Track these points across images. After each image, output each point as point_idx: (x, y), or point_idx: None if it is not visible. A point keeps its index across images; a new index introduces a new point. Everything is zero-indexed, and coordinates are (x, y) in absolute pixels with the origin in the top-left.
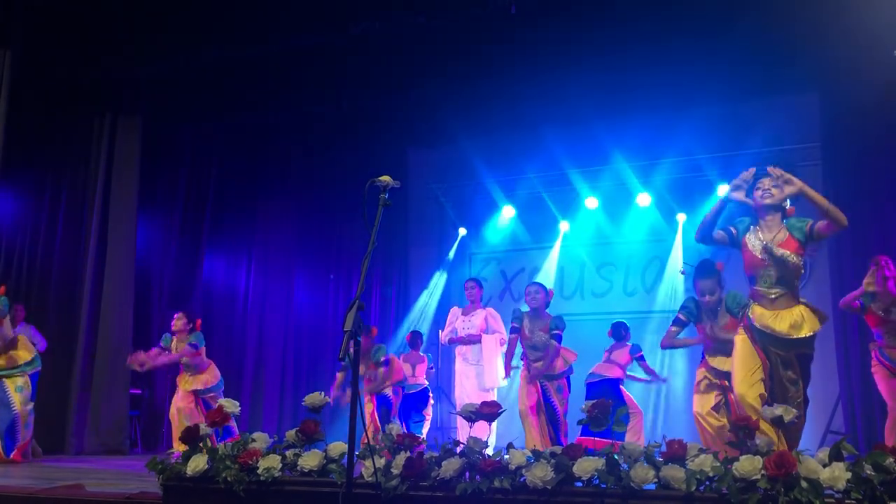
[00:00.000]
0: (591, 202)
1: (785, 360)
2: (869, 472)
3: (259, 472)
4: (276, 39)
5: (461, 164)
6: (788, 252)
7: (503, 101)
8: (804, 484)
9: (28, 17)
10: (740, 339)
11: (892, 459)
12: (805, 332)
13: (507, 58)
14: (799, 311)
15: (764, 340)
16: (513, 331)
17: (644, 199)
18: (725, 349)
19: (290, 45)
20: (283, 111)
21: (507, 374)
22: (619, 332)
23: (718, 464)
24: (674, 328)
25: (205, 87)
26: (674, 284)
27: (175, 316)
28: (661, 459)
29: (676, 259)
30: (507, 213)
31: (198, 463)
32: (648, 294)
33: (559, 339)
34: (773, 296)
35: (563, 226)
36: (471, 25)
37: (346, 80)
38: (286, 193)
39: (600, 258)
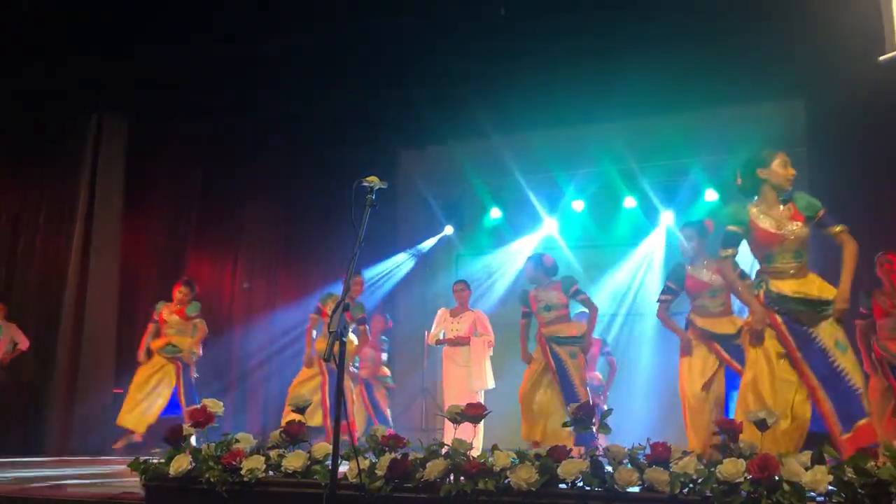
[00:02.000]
0: (578, 204)
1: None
2: (850, 475)
3: (242, 472)
4: (264, 38)
5: (450, 165)
6: (799, 224)
7: (491, 103)
8: (787, 487)
9: (15, 14)
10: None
11: (873, 463)
12: (831, 294)
13: (495, 60)
14: (814, 278)
15: (794, 309)
16: (523, 315)
17: (630, 202)
18: (708, 310)
19: (278, 45)
20: (271, 110)
21: (524, 358)
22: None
23: (702, 466)
24: (664, 297)
25: (192, 86)
26: (660, 287)
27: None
28: (645, 462)
29: (661, 261)
30: (495, 214)
31: (181, 463)
32: (634, 296)
33: (582, 292)
34: (792, 270)
35: (550, 227)
36: (460, 27)
37: (334, 80)
38: (273, 193)
39: (586, 260)
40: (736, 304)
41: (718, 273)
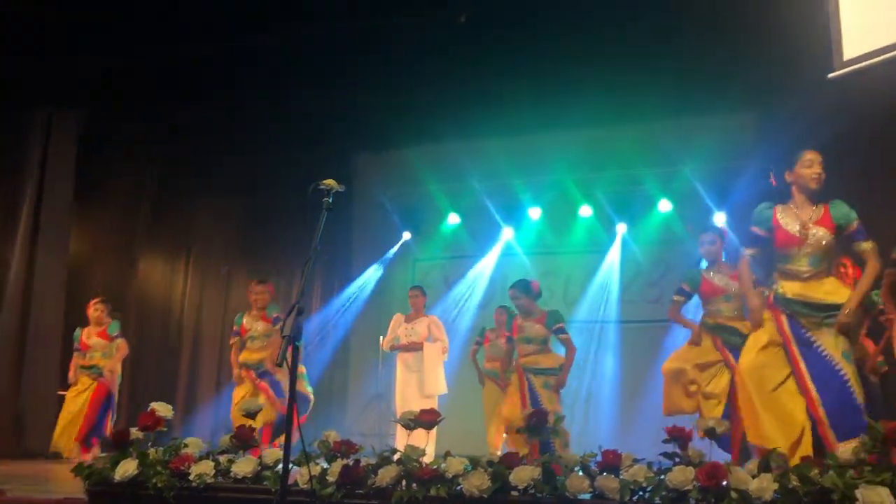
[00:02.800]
0: (534, 212)
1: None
2: (795, 483)
3: (191, 478)
4: (220, 38)
5: (407, 170)
6: (825, 230)
7: (449, 109)
8: (734, 495)
9: None
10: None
11: (816, 471)
12: (839, 299)
13: (454, 66)
14: (832, 282)
15: (796, 311)
16: (477, 342)
17: (586, 211)
18: (723, 314)
19: (236, 45)
20: (226, 110)
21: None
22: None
23: (652, 474)
24: (677, 297)
25: (146, 84)
26: (612, 294)
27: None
28: (596, 469)
29: (615, 270)
30: (452, 220)
31: (127, 468)
32: (588, 303)
33: (563, 331)
34: (805, 273)
35: (507, 234)
36: (420, 32)
37: (292, 81)
38: (228, 194)
39: (542, 267)
40: None
41: (735, 279)
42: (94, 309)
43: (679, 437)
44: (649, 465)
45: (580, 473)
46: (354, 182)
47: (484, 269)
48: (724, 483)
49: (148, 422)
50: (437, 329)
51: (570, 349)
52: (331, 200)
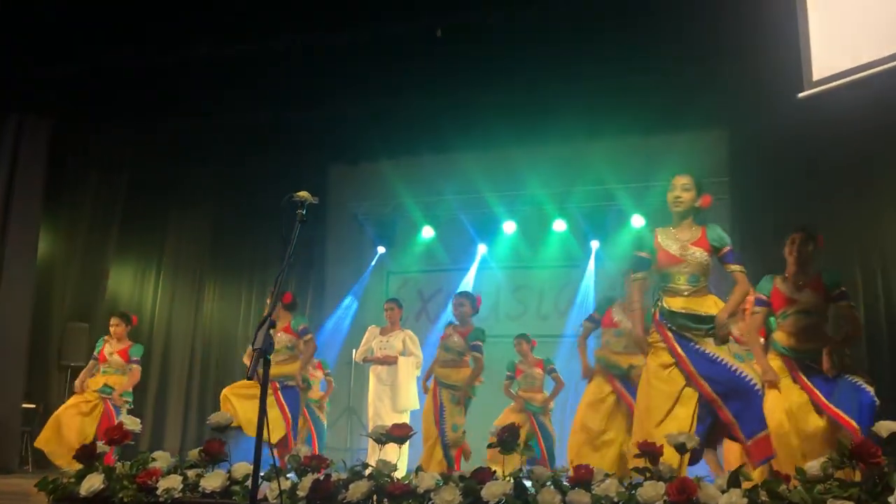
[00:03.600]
0: (509, 226)
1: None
2: (764, 498)
3: (158, 492)
4: (194, 47)
5: (381, 182)
6: (702, 250)
7: (423, 122)
8: None
9: None
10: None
11: (785, 486)
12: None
13: (429, 79)
14: (712, 299)
15: (681, 324)
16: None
17: (560, 225)
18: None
19: (210, 54)
20: (199, 120)
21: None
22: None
23: (623, 489)
24: (586, 324)
25: (119, 91)
26: (587, 309)
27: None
28: (567, 484)
29: (590, 285)
30: (426, 233)
31: (92, 482)
32: (562, 318)
33: (478, 349)
34: (686, 291)
35: (481, 248)
36: (395, 45)
37: (267, 91)
38: (200, 205)
39: (516, 281)
40: None
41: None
42: (112, 324)
43: (650, 451)
44: (620, 479)
45: (552, 488)
46: (328, 194)
47: (458, 282)
48: (695, 498)
49: (115, 435)
50: (413, 343)
51: (478, 365)
52: (304, 212)
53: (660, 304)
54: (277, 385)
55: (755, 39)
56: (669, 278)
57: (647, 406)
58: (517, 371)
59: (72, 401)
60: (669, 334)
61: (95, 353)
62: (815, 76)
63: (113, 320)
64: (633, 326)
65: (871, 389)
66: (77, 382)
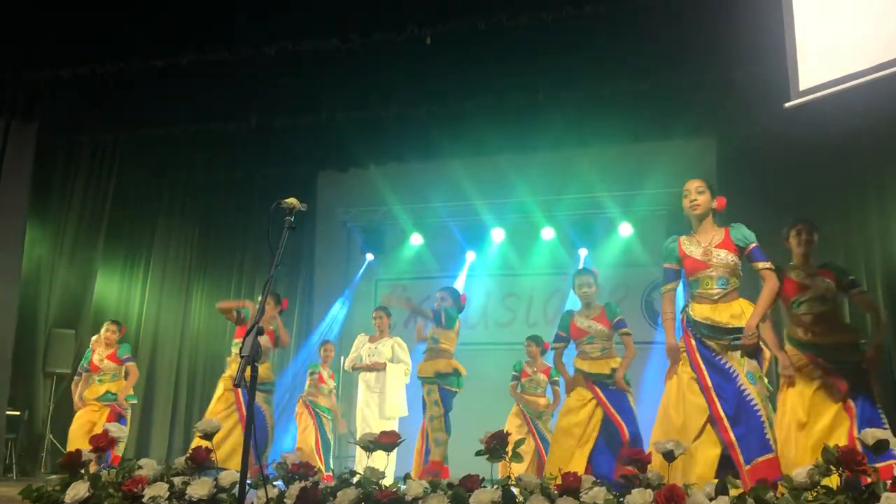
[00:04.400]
0: (497, 234)
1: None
2: None
3: (144, 500)
4: (184, 52)
5: (370, 189)
6: (727, 251)
7: (413, 130)
8: None
9: None
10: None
11: (772, 494)
12: (744, 323)
13: (418, 87)
14: (741, 304)
15: (703, 334)
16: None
17: (548, 233)
18: (588, 354)
19: (199, 59)
20: (188, 125)
21: None
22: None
23: (611, 496)
24: (556, 344)
25: (107, 96)
26: None
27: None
28: (555, 492)
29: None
30: (415, 240)
31: (77, 490)
32: (550, 325)
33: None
34: (715, 295)
35: (470, 255)
36: (384, 52)
37: (256, 97)
38: (188, 210)
39: (504, 289)
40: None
41: (598, 320)
42: (106, 330)
43: (638, 459)
44: (609, 487)
45: (540, 496)
46: (317, 201)
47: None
48: None
49: (101, 442)
50: (402, 350)
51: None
52: (293, 219)
53: (687, 310)
54: None
55: (743, 48)
56: (698, 284)
57: (683, 423)
58: (523, 373)
59: (80, 417)
60: (693, 343)
61: (85, 363)
62: (802, 86)
63: (110, 326)
64: (666, 336)
65: (886, 426)
66: (75, 399)
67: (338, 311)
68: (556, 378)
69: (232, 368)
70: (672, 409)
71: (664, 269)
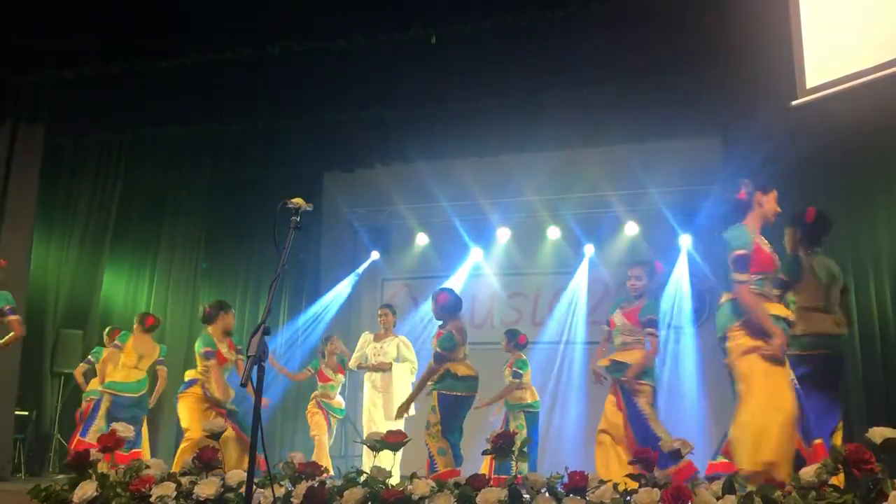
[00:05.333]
0: (503, 233)
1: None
2: None
3: (152, 500)
4: (190, 52)
5: (376, 189)
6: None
7: (418, 129)
8: None
9: None
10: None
11: (780, 493)
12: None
13: (423, 86)
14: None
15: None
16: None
17: (554, 232)
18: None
19: (204, 60)
20: (195, 125)
21: None
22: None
23: (618, 496)
24: (604, 327)
25: (114, 97)
26: (580, 316)
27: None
28: (562, 491)
29: (583, 291)
30: (421, 240)
31: (85, 490)
32: (556, 324)
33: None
34: (776, 298)
35: (475, 254)
36: (390, 52)
37: (262, 98)
38: (194, 210)
39: (510, 288)
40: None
41: (628, 317)
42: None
43: (645, 458)
44: (615, 486)
45: (547, 495)
46: (324, 201)
47: (453, 288)
48: None
49: (108, 442)
50: (407, 349)
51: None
52: (299, 219)
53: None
54: None
55: (749, 47)
56: (761, 284)
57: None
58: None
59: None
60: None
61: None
62: (809, 84)
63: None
64: (768, 328)
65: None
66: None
67: (329, 301)
68: (518, 370)
69: None
70: (780, 396)
71: (739, 256)
